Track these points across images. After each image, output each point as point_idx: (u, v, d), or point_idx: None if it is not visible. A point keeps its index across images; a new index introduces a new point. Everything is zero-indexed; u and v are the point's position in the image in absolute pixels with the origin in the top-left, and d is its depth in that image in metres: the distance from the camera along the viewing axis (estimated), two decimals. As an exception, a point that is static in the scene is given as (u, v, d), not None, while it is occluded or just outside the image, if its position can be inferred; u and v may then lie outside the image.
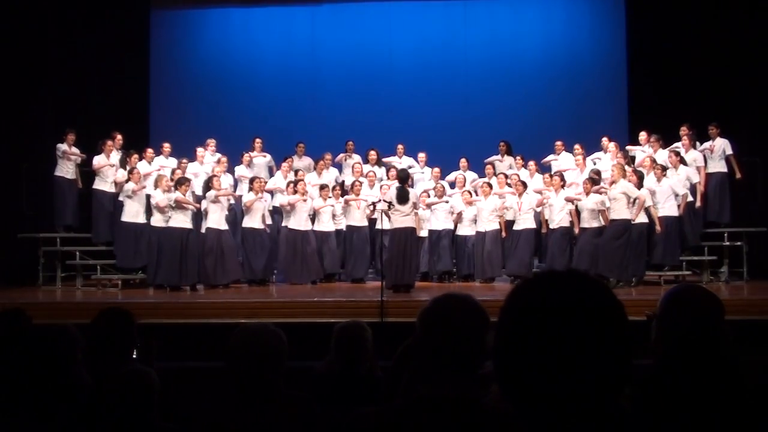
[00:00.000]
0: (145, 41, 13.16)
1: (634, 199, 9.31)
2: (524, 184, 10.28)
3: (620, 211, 9.27)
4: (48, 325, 3.10)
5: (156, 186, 9.93)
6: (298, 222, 10.35)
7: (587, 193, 9.59)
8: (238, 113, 12.89)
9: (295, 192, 10.36)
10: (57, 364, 2.54)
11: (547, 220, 10.05)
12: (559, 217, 9.80)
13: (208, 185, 10.01)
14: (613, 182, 9.43)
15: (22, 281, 10.42)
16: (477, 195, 10.72)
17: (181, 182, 9.70)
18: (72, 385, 2.73)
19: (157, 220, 9.75)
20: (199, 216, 10.11)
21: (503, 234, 10.31)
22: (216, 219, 9.86)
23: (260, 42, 13.49)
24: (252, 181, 10.31)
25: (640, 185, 9.46)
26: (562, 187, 9.94)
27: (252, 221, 10.21)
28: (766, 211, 10.57)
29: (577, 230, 9.69)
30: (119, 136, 10.87)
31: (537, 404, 1.05)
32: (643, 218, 9.42)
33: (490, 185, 10.61)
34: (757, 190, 10.66)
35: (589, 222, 9.52)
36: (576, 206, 9.74)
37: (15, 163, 10.75)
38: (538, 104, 12.66)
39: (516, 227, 10.18)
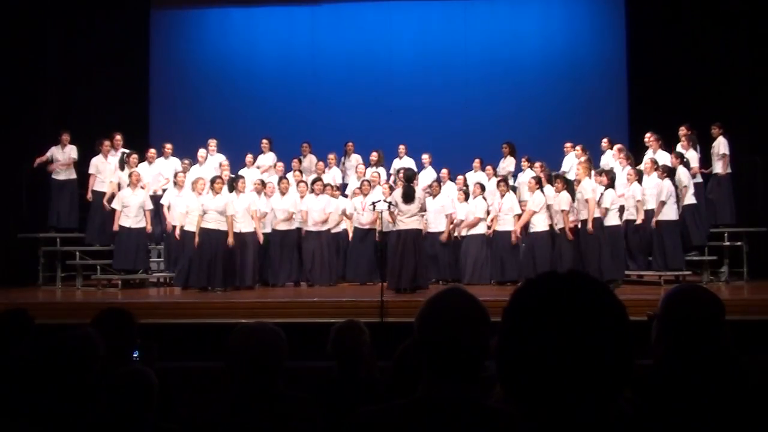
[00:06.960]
0: (145, 41, 13.16)
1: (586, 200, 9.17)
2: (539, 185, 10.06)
3: (587, 212, 9.19)
4: (69, 326, 3.05)
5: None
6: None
7: (558, 192, 9.56)
8: (237, 113, 12.88)
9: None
10: (82, 369, 2.52)
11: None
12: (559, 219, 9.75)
13: (231, 185, 9.97)
14: (578, 181, 9.41)
15: (22, 281, 10.40)
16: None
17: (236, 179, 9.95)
18: (92, 389, 2.71)
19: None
20: None
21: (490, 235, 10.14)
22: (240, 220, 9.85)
23: (260, 42, 13.49)
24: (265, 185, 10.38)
25: (611, 186, 9.33)
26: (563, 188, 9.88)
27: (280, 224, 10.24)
28: (766, 211, 10.55)
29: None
30: (118, 137, 10.85)
31: (539, 405, 1.05)
32: (616, 221, 9.30)
33: (482, 185, 10.47)
34: (757, 190, 10.64)
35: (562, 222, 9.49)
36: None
37: (15, 163, 10.75)
38: (538, 104, 12.65)
39: (533, 229, 9.89)
